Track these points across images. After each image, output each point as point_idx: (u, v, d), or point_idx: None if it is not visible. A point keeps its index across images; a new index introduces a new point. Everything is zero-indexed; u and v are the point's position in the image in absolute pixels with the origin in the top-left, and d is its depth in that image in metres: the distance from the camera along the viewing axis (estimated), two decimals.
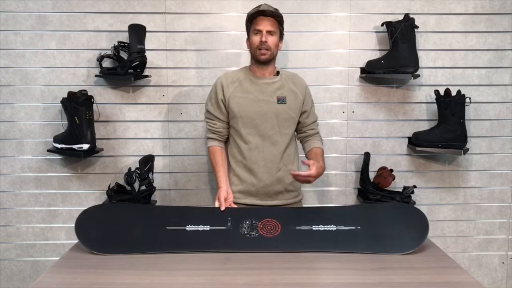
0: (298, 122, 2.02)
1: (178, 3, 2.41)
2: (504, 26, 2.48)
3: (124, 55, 2.33)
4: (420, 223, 1.69)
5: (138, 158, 2.34)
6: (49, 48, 2.41)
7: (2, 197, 2.50)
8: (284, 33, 2.00)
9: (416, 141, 2.44)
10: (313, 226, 1.72)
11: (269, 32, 1.89)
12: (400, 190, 2.45)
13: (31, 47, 2.41)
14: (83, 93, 2.31)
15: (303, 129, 2.04)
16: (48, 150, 2.39)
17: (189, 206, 1.92)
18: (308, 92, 2.05)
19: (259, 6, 1.91)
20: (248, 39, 1.97)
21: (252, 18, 1.92)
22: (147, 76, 2.41)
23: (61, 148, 2.35)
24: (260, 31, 1.89)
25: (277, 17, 1.92)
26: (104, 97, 2.46)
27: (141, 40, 2.30)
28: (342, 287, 1.43)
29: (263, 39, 1.88)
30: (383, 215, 1.77)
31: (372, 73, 2.40)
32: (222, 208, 1.82)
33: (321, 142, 2.05)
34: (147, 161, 2.33)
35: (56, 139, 2.37)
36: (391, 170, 2.46)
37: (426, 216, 1.72)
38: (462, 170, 2.58)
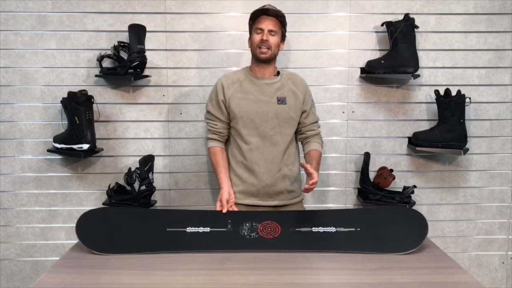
0: (298, 123, 2.02)
1: (178, 3, 2.41)
2: (504, 26, 2.48)
3: (124, 55, 2.33)
4: (419, 224, 1.70)
5: (138, 158, 2.34)
6: (49, 48, 2.41)
7: (2, 197, 2.50)
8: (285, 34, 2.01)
9: (416, 141, 2.44)
10: (313, 228, 1.72)
11: (271, 32, 1.90)
12: (400, 190, 2.45)
13: (31, 47, 2.41)
14: (83, 93, 2.31)
15: (302, 130, 2.04)
16: (48, 150, 2.39)
17: (189, 210, 1.93)
18: (308, 92, 2.05)
19: (263, 6, 1.93)
20: (250, 37, 1.97)
21: (255, 17, 1.93)
22: (147, 76, 2.41)
23: (61, 148, 2.35)
24: (262, 30, 1.90)
25: (279, 18, 1.92)
26: (104, 97, 2.46)
27: (141, 40, 2.30)
28: (342, 287, 1.43)
29: (264, 38, 1.89)
30: (382, 217, 1.78)
31: (372, 73, 2.40)
32: (224, 210, 1.82)
33: (320, 144, 2.04)
34: (147, 161, 2.33)
35: (56, 139, 2.37)
36: (391, 170, 2.46)
37: (425, 216, 1.73)
38: (462, 170, 2.58)
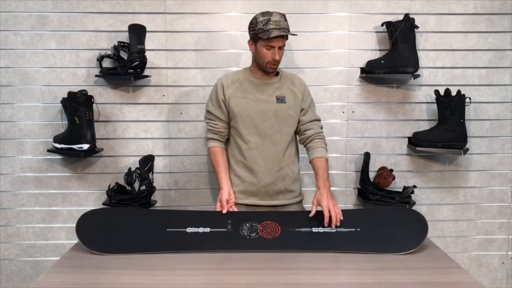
0: (297, 122, 2.01)
1: (178, 3, 2.41)
2: (504, 26, 2.48)
3: (124, 55, 2.33)
4: (419, 224, 1.70)
5: (138, 158, 2.34)
6: (49, 48, 2.41)
7: (2, 197, 2.50)
8: None
9: (416, 141, 2.44)
10: (313, 228, 1.72)
11: (280, 47, 1.89)
12: (400, 190, 2.45)
13: (31, 47, 2.41)
14: (83, 93, 2.31)
15: (301, 129, 2.01)
16: (48, 150, 2.39)
17: (189, 210, 1.93)
18: (307, 91, 2.05)
19: (270, 14, 1.83)
20: (253, 43, 1.92)
21: (268, 34, 1.83)
22: (147, 76, 2.41)
23: (61, 148, 2.35)
24: (273, 47, 1.87)
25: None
26: (104, 97, 2.46)
27: (141, 40, 2.30)
28: (342, 287, 1.43)
29: (277, 58, 1.87)
30: (382, 217, 1.78)
31: (372, 73, 2.40)
32: (224, 211, 1.82)
33: (324, 148, 1.96)
34: (147, 161, 2.33)
35: (56, 139, 2.37)
36: (391, 170, 2.46)
37: (425, 216, 1.73)
38: (462, 170, 2.58)
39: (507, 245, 2.63)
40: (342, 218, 1.71)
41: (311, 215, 1.75)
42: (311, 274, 1.50)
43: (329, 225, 1.71)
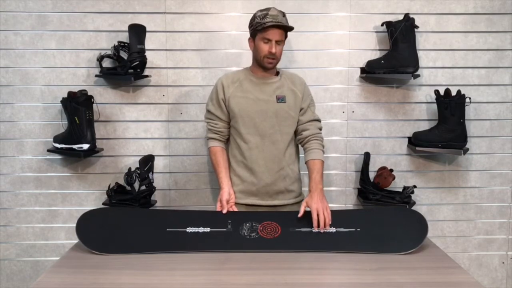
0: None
1: (178, 3, 2.41)
2: (504, 26, 2.48)
3: (124, 55, 2.33)
4: (419, 224, 1.70)
5: (138, 158, 2.34)
6: (49, 48, 2.41)
7: (2, 197, 2.50)
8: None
9: (416, 141, 2.44)
10: (313, 228, 1.72)
11: (277, 42, 1.88)
12: (400, 190, 2.45)
13: (31, 47, 2.41)
14: (83, 93, 2.31)
15: (299, 128, 1.99)
16: (48, 150, 2.39)
17: (189, 210, 1.93)
18: (307, 91, 2.04)
19: (268, 9, 1.87)
20: (252, 40, 1.94)
21: (264, 26, 1.85)
22: (147, 76, 2.41)
23: (61, 148, 2.35)
24: (269, 41, 1.87)
25: (287, 28, 1.90)
26: (104, 97, 2.46)
27: (141, 40, 2.30)
28: (342, 287, 1.44)
29: (273, 51, 1.87)
30: (382, 217, 1.78)
31: (372, 73, 2.40)
32: (224, 211, 1.83)
33: (320, 149, 1.95)
34: (147, 161, 2.33)
35: (56, 139, 2.37)
36: (391, 170, 2.46)
37: (425, 216, 1.73)
38: (462, 170, 2.58)
39: (507, 245, 2.63)
40: (330, 222, 1.72)
41: (299, 215, 1.75)
42: (311, 274, 1.51)
43: (318, 227, 1.71)
